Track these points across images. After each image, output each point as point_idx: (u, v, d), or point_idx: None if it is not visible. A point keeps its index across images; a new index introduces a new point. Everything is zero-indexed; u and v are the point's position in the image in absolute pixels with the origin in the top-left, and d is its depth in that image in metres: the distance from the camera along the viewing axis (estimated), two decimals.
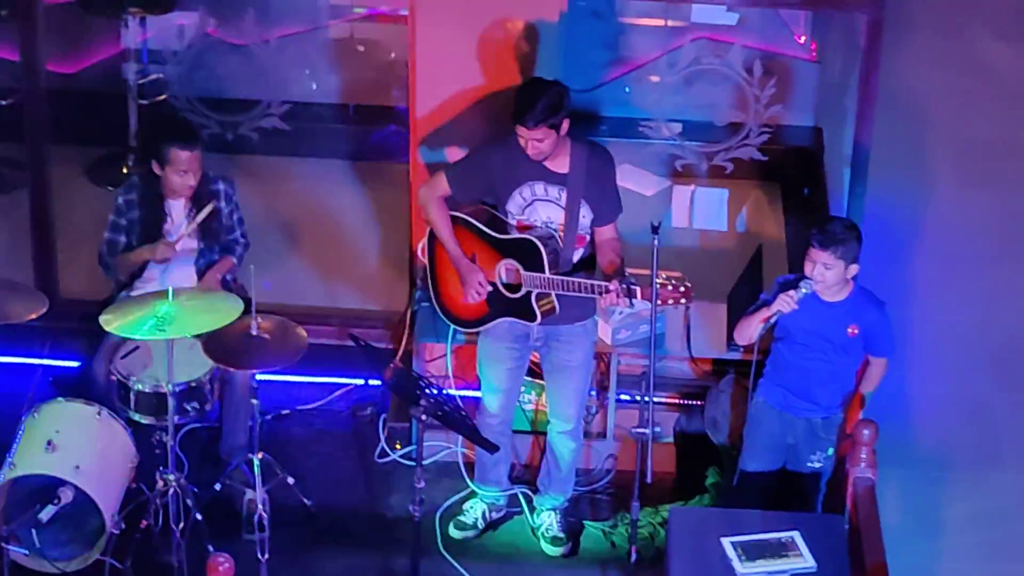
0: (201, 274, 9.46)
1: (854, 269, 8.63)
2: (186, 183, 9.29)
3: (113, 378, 9.12)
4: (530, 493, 9.58)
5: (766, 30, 11.47)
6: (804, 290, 8.57)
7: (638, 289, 8.63)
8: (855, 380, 8.91)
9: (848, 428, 8.75)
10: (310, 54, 11.60)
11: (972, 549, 9.51)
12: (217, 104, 11.30)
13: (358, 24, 11.70)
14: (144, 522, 9.00)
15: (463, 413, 8.90)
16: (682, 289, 8.63)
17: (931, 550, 9.47)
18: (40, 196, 10.28)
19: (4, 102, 11.23)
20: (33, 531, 8.74)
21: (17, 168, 11.14)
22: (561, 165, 8.85)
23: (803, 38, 11.51)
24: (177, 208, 9.40)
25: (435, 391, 8.78)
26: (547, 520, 9.48)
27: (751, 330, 8.71)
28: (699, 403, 9.83)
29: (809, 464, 8.97)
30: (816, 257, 8.54)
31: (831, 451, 8.93)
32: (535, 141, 8.72)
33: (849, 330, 8.71)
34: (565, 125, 8.74)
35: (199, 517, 9.03)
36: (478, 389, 9.46)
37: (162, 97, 11.33)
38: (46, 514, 8.71)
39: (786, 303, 8.58)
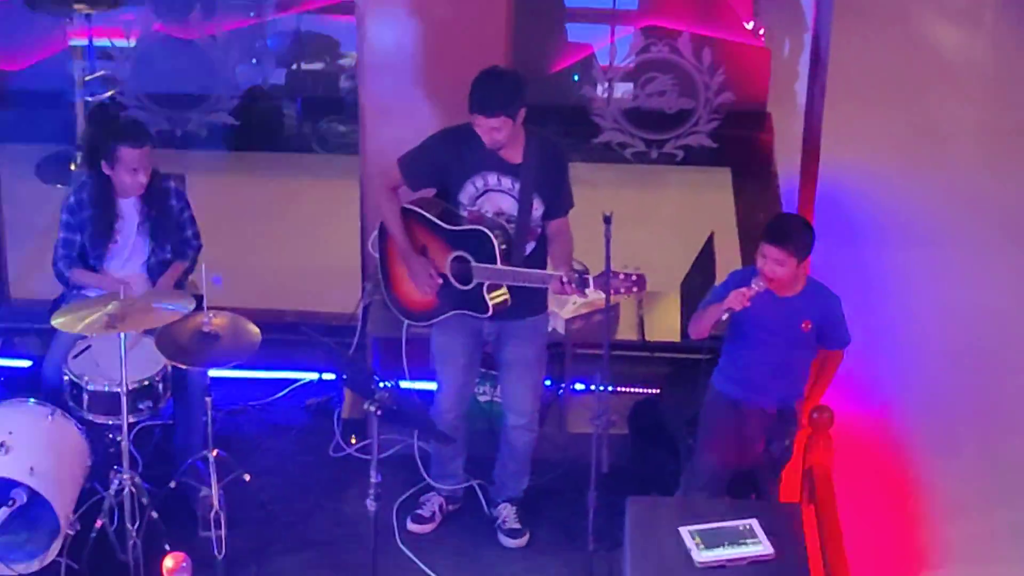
0: (151, 272, 9.43)
1: (806, 263, 8.65)
2: (137, 181, 9.25)
3: (65, 378, 9.09)
4: (487, 485, 9.59)
5: (713, 13, 11.50)
6: (756, 287, 8.58)
7: (590, 279, 8.65)
8: (809, 369, 8.94)
9: (802, 418, 8.77)
10: (258, 48, 11.60)
11: (931, 532, 9.56)
12: (165, 100, 11.32)
13: (306, 15, 11.68)
14: (99, 522, 8.95)
15: (417, 406, 8.91)
16: (634, 278, 8.64)
17: (885, 534, 9.51)
18: None
19: None
20: None
21: None
22: (515, 155, 8.85)
23: (751, 22, 11.53)
24: (128, 207, 9.36)
25: (389, 384, 8.79)
26: (504, 512, 9.48)
27: (705, 325, 8.74)
28: (654, 391, 9.85)
29: (765, 453, 9.00)
30: (768, 252, 8.54)
31: (787, 441, 8.96)
32: (492, 130, 8.74)
33: (803, 325, 8.72)
34: (521, 114, 8.75)
35: (155, 515, 9.00)
36: (432, 382, 9.45)
37: (109, 94, 11.33)
38: (0, 516, 8.71)
39: (738, 300, 8.58)
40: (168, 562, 7.82)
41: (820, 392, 8.93)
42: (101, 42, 11.48)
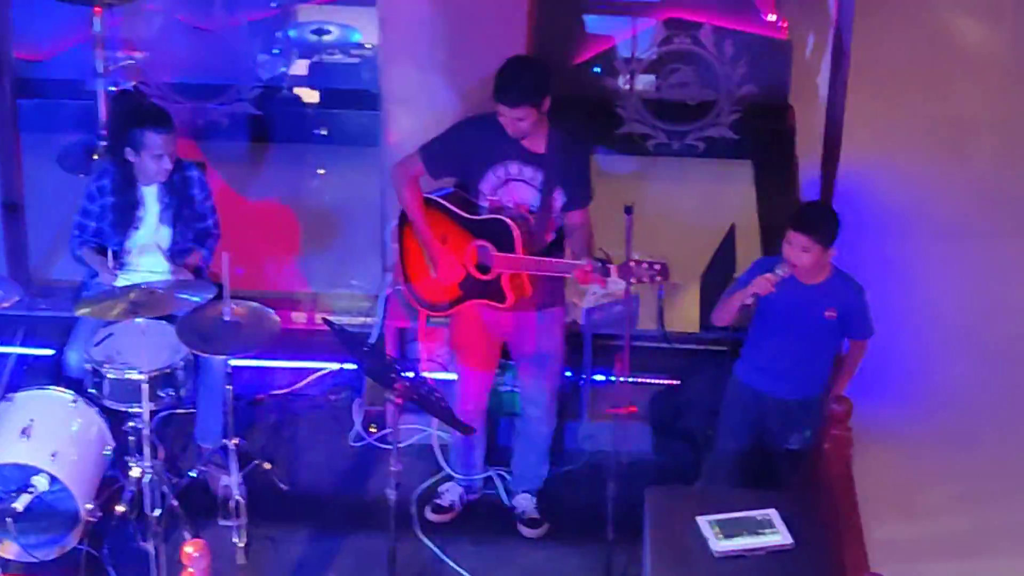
0: (172, 259, 9.44)
1: (832, 253, 8.66)
2: (162, 167, 9.25)
3: (87, 366, 9.11)
4: (506, 475, 9.62)
5: (734, 6, 11.50)
6: (781, 272, 8.60)
7: (612, 267, 8.66)
8: (832, 362, 8.95)
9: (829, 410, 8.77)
10: (279, 38, 11.61)
11: (944, 524, 9.57)
12: (187, 90, 11.33)
13: (327, 7, 11.69)
14: (120, 509, 9.02)
15: (438, 396, 8.92)
16: (657, 267, 8.65)
17: (908, 525, 9.52)
18: (10, 184, 10.28)
19: None
20: (9, 520, 8.74)
21: None
22: (538, 145, 8.86)
23: (774, 16, 11.53)
24: (150, 194, 9.38)
25: (409, 374, 8.80)
26: (523, 503, 9.52)
27: (730, 311, 8.76)
28: (675, 382, 9.87)
29: (786, 444, 9.02)
30: (794, 239, 8.57)
31: (808, 432, 8.97)
32: (516, 119, 8.75)
33: (827, 313, 8.74)
34: (546, 104, 8.76)
35: (175, 503, 9.05)
36: (454, 371, 9.47)
37: (132, 84, 11.34)
38: (21, 503, 8.72)
39: (764, 285, 8.60)
40: (188, 549, 7.83)
41: (843, 383, 8.93)
42: (124, 33, 11.51)
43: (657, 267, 8.63)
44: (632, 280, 8.65)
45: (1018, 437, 10.04)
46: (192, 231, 9.47)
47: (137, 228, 9.39)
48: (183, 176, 9.40)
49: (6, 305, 8.94)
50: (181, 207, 9.40)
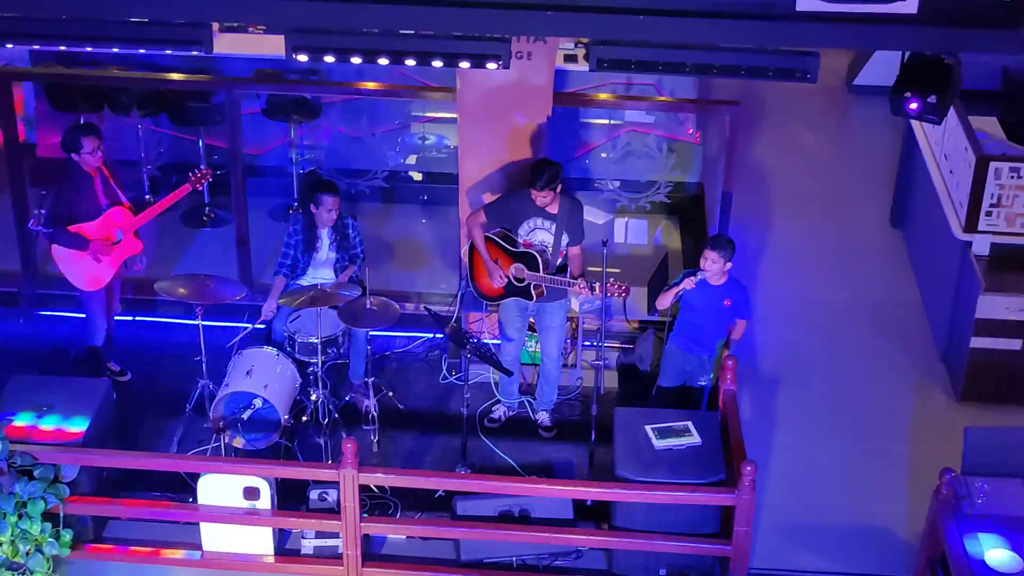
0: (336, 272, 9.46)
1: (729, 265, 8.69)
2: (330, 217, 9.29)
3: (286, 333, 9.17)
4: (531, 400, 9.61)
5: (669, 125, 11.51)
6: (699, 276, 8.64)
7: (596, 285, 8.73)
8: (727, 332, 8.96)
9: (722, 361, 8.81)
10: (400, 142, 11.64)
11: (790, 433, 9.58)
12: (344, 172, 11.37)
13: (428, 123, 11.74)
14: (304, 419, 9.09)
15: (492, 353, 8.96)
16: (622, 287, 8.74)
17: (768, 434, 9.53)
18: (241, 228, 10.30)
19: (219, 172, 11.25)
20: (239, 424, 8.81)
21: (226, 211, 11.20)
22: (554, 209, 8.91)
23: (691, 130, 11.55)
24: (324, 234, 9.40)
25: (475, 340, 8.86)
26: (541, 417, 9.53)
27: (667, 301, 8.78)
28: (631, 346, 9.89)
29: (699, 383, 9.01)
30: (708, 255, 8.61)
31: (713, 375, 8.98)
32: (541, 197, 8.79)
33: (725, 302, 8.76)
34: (559, 188, 8.80)
35: (337, 416, 9.12)
36: (500, 339, 9.49)
37: (312, 169, 11.39)
38: (247, 414, 8.79)
39: (689, 283, 8.65)
40: (347, 445, 7.90)
41: (733, 346, 8.94)
42: (308, 139, 11.55)
43: (622, 287, 8.72)
44: (609, 294, 8.72)
45: (833, 376, 10.04)
46: (348, 255, 9.49)
47: (316, 253, 9.42)
48: (343, 223, 9.43)
49: (238, 298, 9.04)
50: (342, 241, 9.43)
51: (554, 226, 8.89)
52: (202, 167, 9.34)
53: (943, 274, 10.20)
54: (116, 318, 9.75)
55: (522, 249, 8.96)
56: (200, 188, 9.44)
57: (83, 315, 9.55)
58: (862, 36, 7.41)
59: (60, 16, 7.77)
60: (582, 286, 8.77)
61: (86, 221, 9.14)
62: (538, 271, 8.91)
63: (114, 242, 9.21)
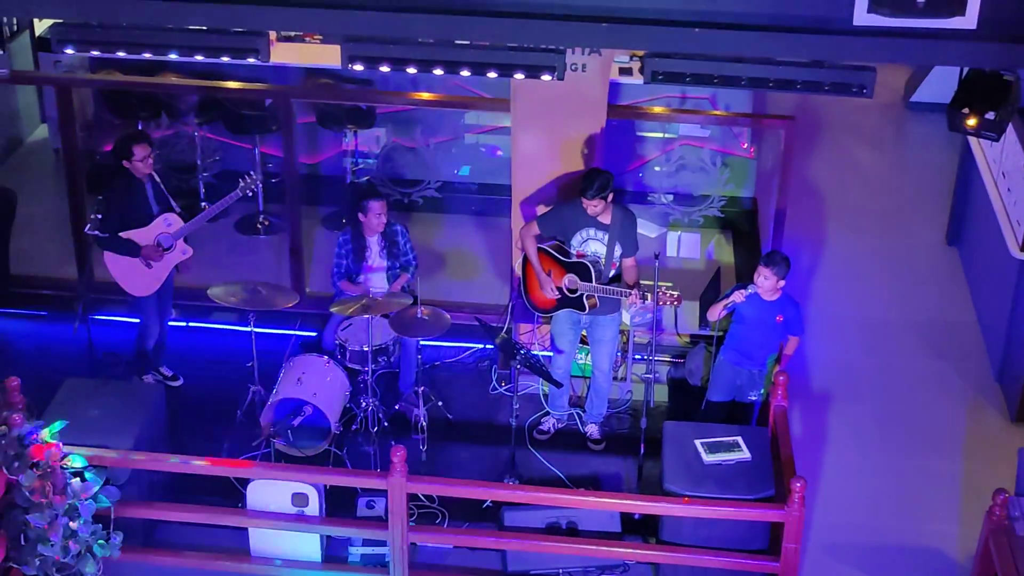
0: (389, 280, 9.49)
1: (783, 282, 8.66)
2: (380, 222, 9.31)
3: (337, 342, 9.21)
4: (581, 413, 9.60)
5: (724, 139, 11.49)
6: (750, 290, 8.61)
7: (648, 295, 8.71)
8: (778, 347, 8.91)
9: (774, 378, 8.76)
10: (454, 152, 11.67)
11: (841, 450, 9.51)
12: (399, 182, 11.41)
13: (482, 135, 11.77)
14: (354, 427, 9.13)
15: (542, 364, 8.96)
16: (675, 295, 8.70)
17: (818, 451, 9.46)
18: (295, 236, 10.35)
19: (274, 180, 11.36)
20: (289, 431, 8.85)
21: (280, 219, 11.28)
22: (606, 219, 8.90)
23: (746, 144, 11.52)
24: (373, 242, 9.44)
25: (525, 351, 8.86)
26: (591, 429, 9.51)
27: (717, 313, 8.75)
28: (682, 360, 9.84)
29: (749, 397, 8.98)
30: (761, 272, 8.59)
31: (763, 390, 8.94)
32: (592, 206, 8.78)
33: (777, 318, 8.73)
34: (611, 196, 8.79)
35: (386, 424, 9.15)
36: (551, 351, 9.48)
37: (367, 178, 11.43)
38: (297, 421, 8.83)
39: (739, 296, 8.63)
40: (395, 454, 7.92)
41: (784, 362, 8.90)
42: (362, 147, 11.60)
43: (675, 295, 8.68)
44: (659, 303, 8.70)
45: (886, 394, 9.97)
46: (399, 263, 9.52)
47: (367, 261, 9.46)
48: (392, 230, 9.45)
49: (290, 305, 9.06)
50: (391, 248, 9.45)
51: (607, 236, 8.88)
52: (251, 173, 9.39)
53: (999, 293, 10.11)
54: (170, 323, 9.82)
55: (575, 260, 8.95)
56: (250, 195, 9.48)
57: (136, 319, 9.63)
58: (920, 51, 7.35)
59: (120, 23, 7.86)
60: (636, 295, 8.75)
61: (137, 228, 9.22)
62: (591, 282, 8.90)
63: (165, 248, 9.28)
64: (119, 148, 9.20)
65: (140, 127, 11.27)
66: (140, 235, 9.25)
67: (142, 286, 9.38)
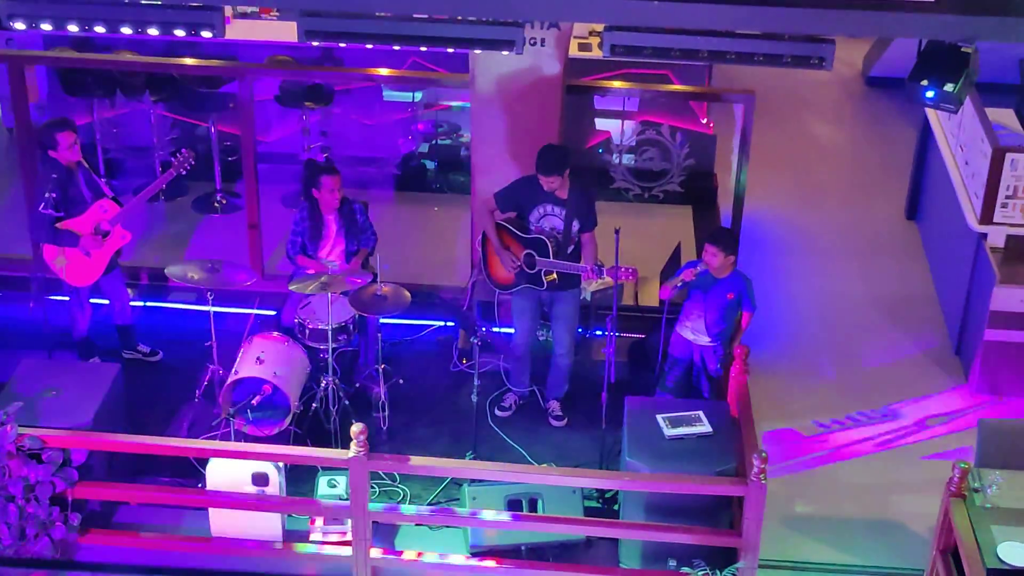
0: (347, 258, 9.42)
1: (732, 258, 8.65)
2: (334, 198, 9.22)
3: (296, 320, 9.15)
4: (542, 389, 9.57)
5: (683, 113, 11.46)
6: (699, 268, 8.61)
7: (604, 269, 8.68)
8: (733, 323, 8.89)
9: (733, 351, 8.75)
10: (411, 129, 11.60)
11: (802, 424, 9.53)
12: (357, 160, 11.34)
13: (440, 112, 11.69)
14: (313, 405, 9.06)
15: (502, 341, 8.91)
16: (629, 270, 8.67)
17: (778, 424, 9.48)
18: (252, 213, 10.27)
19: (231, 158, 11.27)
20: (248, 411, 8.78)
21: (235, 197, 11.19)
22: (563, 194, 8.86)
23: (705, 119, 11.51)
24: (329, 221, 9.35)
25: (486, 328, 8.82)
26: (552, 405, 9.49)
27: (668, 292, 8.78)
28: (642, 335, 9.82)
29: (708, 371, 8.97)
30: (708, 248, 8.60)
31: (719, 364, 8.93)
32: (548, 182, 8.74)
33: (728, 295, 8.73)
34: (567, 172, 8.75)
35: (347, 403, 9.07)
36: (512, 327, 9.43)
37: (325, 155, 11.35)
38: (256, 400, 8.77)
39: (688, 274, 8.64)
40: (354, 429, 7.87)
41: (739, 337, 8.88)
42: (320, 126, 11.52)
43: (631, 270, 8.65)
44: (618, 279, 8.66)
45: (846, 367, 10.00)
46: (357, 241, 9.45)
47: (324, 237, 9.39)
48: (350, 208, 9.38)
49: (248, 284, 8.99)
50: (350, 227, 9.38)
51: (564, 212, 8.85)
52: (183, 151, 9.24)
53: (958, 266, 10.14)
54: (131, 304, 9.73)
55: (533, 236, 8.91)
56: (184, 172, 9.30)
57: (72, 305, 9.51)
58: (879, 23, 7.35)
59: None
60: (591, 271, 8.72)
61: (74, 216, 9.08)
62: (548, 257, 8.86)
63: (103, 235, 9.14)
64: (43, 138, 9.05)
65: (94, 106, 11.15)
66: (77, 224, 9.10)
67: (82, 275, 9.25)
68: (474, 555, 8.25)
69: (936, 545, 7.88)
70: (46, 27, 7.86)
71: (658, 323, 9.40)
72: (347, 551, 8.16)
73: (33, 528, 7.84)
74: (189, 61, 10.39)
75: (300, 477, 8.56)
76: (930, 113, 10.97)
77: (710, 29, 7.59)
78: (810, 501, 8.84)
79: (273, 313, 9.98)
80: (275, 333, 9.06)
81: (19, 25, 7.85)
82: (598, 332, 9.75)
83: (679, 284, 8.67)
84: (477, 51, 7.97)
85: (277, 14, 11.03)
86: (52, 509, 7.90)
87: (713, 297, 8.70)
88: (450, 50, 7.96)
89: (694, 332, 8.85)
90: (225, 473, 8.21)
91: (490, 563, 8.16)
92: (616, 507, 8.54)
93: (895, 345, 10.22)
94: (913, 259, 11.15)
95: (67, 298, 9.49)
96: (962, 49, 7.50)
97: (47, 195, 9.03)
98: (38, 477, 7.84)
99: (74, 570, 6.18)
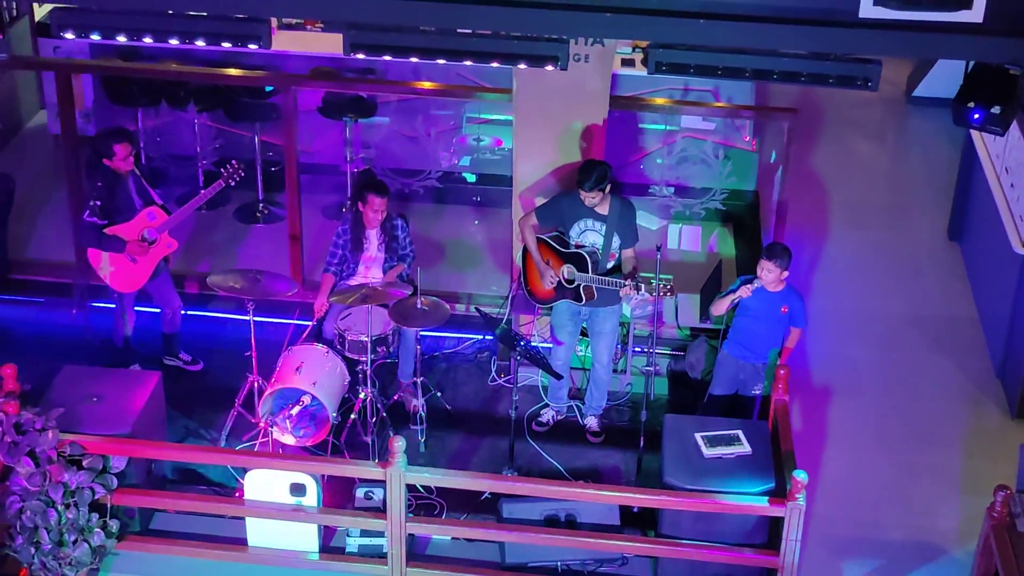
0: (385, 272, 9.42)
1: (786, 273, 8.62)
2: (377, 217, 9.26)
3: (336, 331, 9.15)
4: (580, 405, 9.54)
5: (726, 131, 11.43)
6: (756, 284, 8.56)
7: (643, 285, 8.65)
8: (781, 340, 8.86)
9: (775, 372, 8.71)
10: (454, 142, 11.61)
11: (841, 445, 9.46)
12: (399, 172, 11.35)
13: (483, 125, 11.69)
14: (352, 417, 9.07)
15: (541, 356, 8.91)
16: (670, 287, 8.65)
17: (818, 445, 9.42)
18: (293, 225, 10.28)
19: (273, 168, 11.30)
20: (287, 420, 8.79)
21: (279, 207, 11.22)
22: (604, 210, 8.85)
23: (748, 137, 11.46)
24: (371, 235, 9.37)
25: (525, 342, 8.81)
26: (590, 421, 9.46)
27: (722, 307, 8.70)
28: (683, 353, 9.80)
29: (752, 391, 8.92)
30: (764, 264, 8.55)
31: (764, 384, 8.89)
32: (589, 197, 8.73)
33: (782, 309, 8.68)
34: (608, 188, 8.73)
35: (384, 415, 9.07)
36: (551, 342, 9.42)
37: (367, 168, 11.36)
38: (295, 410, 8.77)
39: (746, 291, 8.59)
40: (395, 443, 7.87)
41: (786, 355, 8.84)
42: (363, 136, 11.53)
43: (670, 287, 8.63)
44: (655, 294, 8.64)
45: (886, 388, 9.93)
46: (396, 255, 9.45)
47: (365, 252, 9.40)
48: (391, 224, 9.38)
49: (289, 295, 9.02)
50: (390, 243, 9.38)
51: (604, 227, 8.83)
52: (234, 162, 9.31)
53: (1001, 288, 10.06)
54: (182, 312, 9.79)
55: (573, 250, 8.90)
56: (232, 184, 9.37)
57: (116, 311, 9.56)
58: (926, 45, 7.30)
59: (120, 9, 7.80)
60: (629, 287, 8.70)
61: (121, 223, 9.15)
62: (588, 272, 8.84)
63: (149, 242, 9.21)
64: (100, 146, 9.13)
65: (139, 115, 11.22)
66: (124, 230, 9.17)
67: (127, 282, 9.30)
68: (509, 570, 8.23)
69: (977, 570, 7.82)
70: (95, 37, 7.92)
71: (698, 340, 9.40)
72: (383, 566, 8.16)
73: (73, 534, 7.88)
74: (233, 72, 10.44)
75: (337, 488, 8.55)
76: (974, 133, 10.89)
77: (755, 48, 7.57)
78: (849, 523, 8.77)
79: (313, 323, 9.97)
80: (316, 344, 9.06)
81: (69, 35, 7.92)
82: (638, 350, 9.70)
83: (734, 300, 8.63)
84: (522, 66, 7.95)
85: (322, 26, 11.06)
86: (91, 515, 7.93)
87: (767, 311, 8.66)
88: (494, 65, 7.94)
89: (742, 349, 8.80)
90: (263, 483, 8.22)
91: None
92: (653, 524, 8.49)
93: (936, 366, 10.14)
94: (955, 280, 11.06)
95: (112, 305, 9.55)
96: (1010, 71, 7.46)
97: (92, 203, 9.11)
98: (78, 483, 7.88)
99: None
